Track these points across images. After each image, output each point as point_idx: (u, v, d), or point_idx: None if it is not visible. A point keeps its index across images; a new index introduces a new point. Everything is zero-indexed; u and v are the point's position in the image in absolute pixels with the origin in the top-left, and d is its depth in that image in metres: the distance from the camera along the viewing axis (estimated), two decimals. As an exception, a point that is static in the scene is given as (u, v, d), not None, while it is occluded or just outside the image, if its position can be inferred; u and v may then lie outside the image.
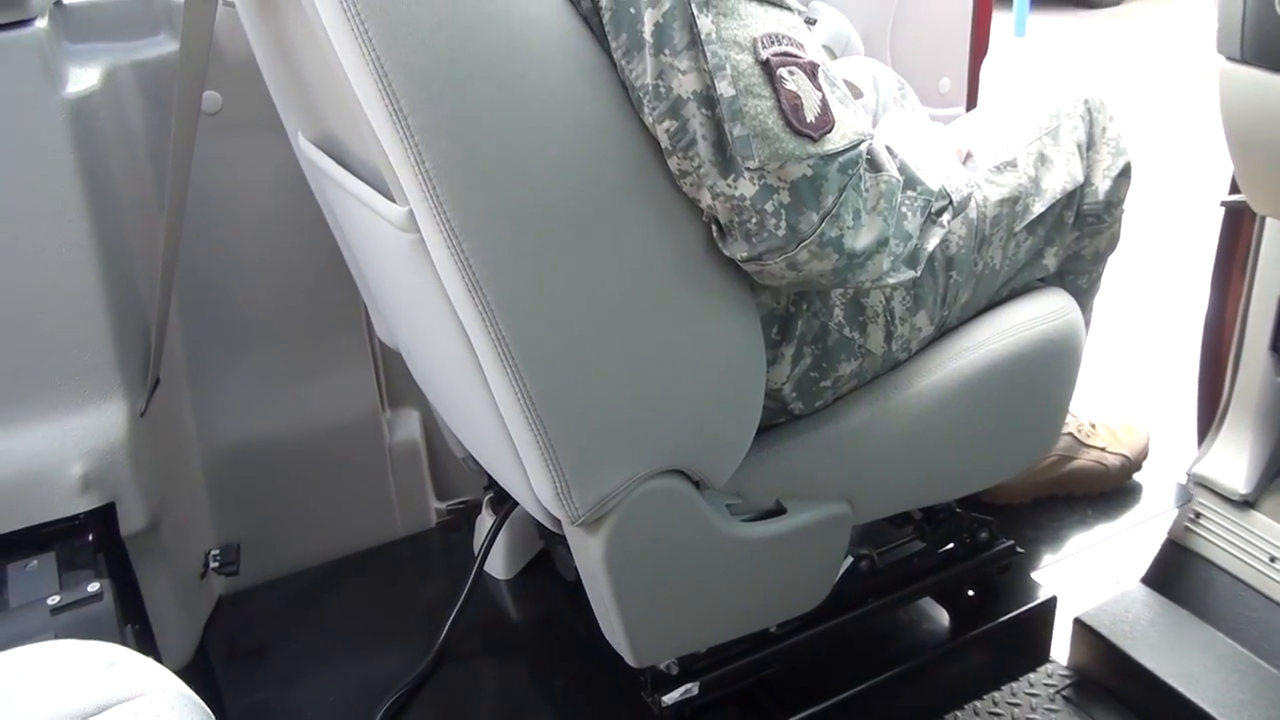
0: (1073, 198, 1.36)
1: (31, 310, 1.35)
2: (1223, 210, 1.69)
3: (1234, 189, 1.59)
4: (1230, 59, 1.34)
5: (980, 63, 2.07)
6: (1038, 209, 1.32)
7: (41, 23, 1.31)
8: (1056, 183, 1.34)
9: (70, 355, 1.38)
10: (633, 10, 0.91)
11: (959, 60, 2.04)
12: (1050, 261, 1.37)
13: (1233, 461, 1.65)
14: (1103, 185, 1.39)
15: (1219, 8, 1.33)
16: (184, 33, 1.35)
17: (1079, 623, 1.56)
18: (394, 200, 1.00)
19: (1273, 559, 1.54)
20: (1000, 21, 7.19)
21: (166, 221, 1.41)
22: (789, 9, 0.96)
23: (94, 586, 1.23)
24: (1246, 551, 1.57)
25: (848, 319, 1.18)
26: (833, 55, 1.73)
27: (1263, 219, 1.57)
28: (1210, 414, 1.74)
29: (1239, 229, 1.67)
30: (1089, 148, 1.39)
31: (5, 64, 1.28)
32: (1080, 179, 1.36)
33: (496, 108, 0.90)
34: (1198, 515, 1.64)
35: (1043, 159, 1.34)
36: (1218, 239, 1.73)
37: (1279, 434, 1.62)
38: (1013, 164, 1.32)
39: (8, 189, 1.31)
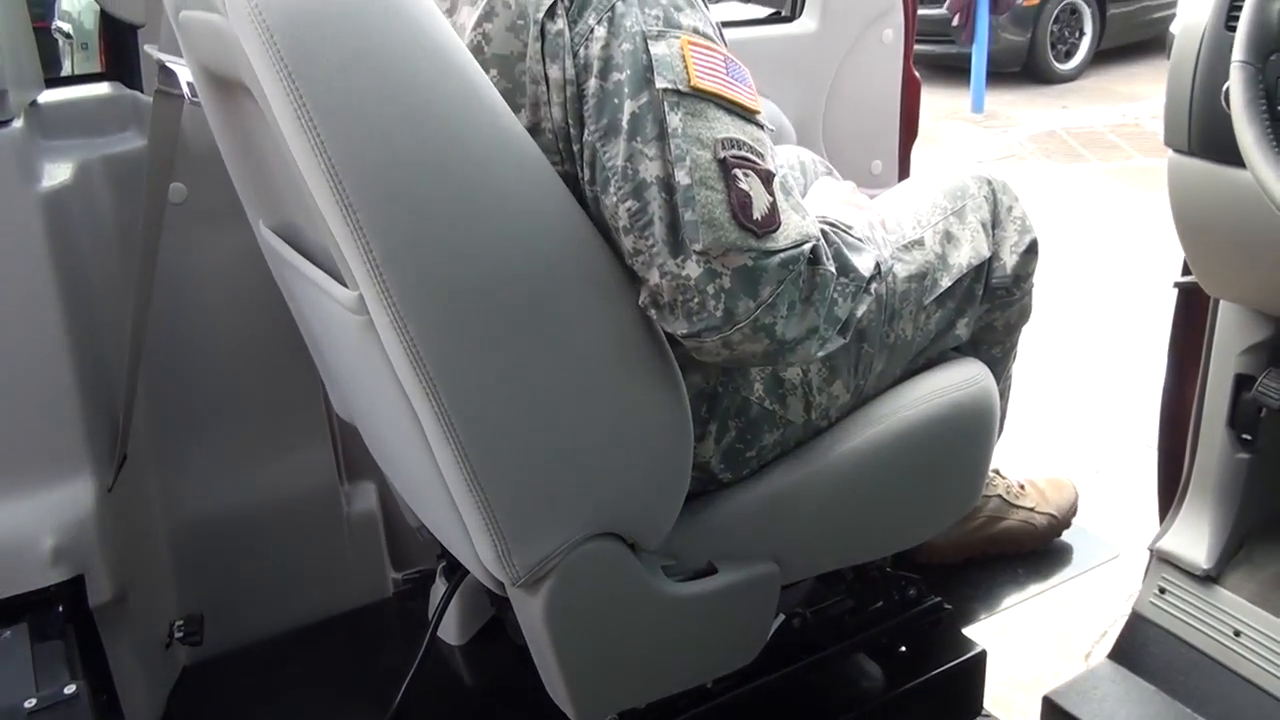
0: (980, 271, 1.45)
1: (4, 391, 1.40)
2: (1176, 290, 1.73)
3: (1186, 270, 1.63)
4: (1178, 151, 1.40)
5: (910, 145, 2.18)
6: (945, 283, 1.40)
7: (18, 122, 1.38)
8: (963, 258, 1.43)
9: (42, 433, 1.43)
10: (616, 100, 1.01)
11: (890, 143, 2.14)
12: (963, 332, 1.46)
13: (1195, 537, 1.67)
14: (1010, 260, 1.48)
15: (1166, 101, 1.40)
16: (152, 129, 1.43)
17: (1048, 701, 1.59)
18: (346, 285, 1.08)
19: (1237, 633, 1.56)
20: (960, 99, 7.39)
21: (134, 305, 1.47)
22: (759, 125, 1.06)
23: (70, 689, 1.25)
24: (1211, 626, 1.59)
25: (768, 392, 1.26)
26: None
27: (1216, 299, 1.61)
28: (1171, 489, 1.76)
29: (1193, 309, 1.72)
30: (994, 225, 1.48)
31: None
32: (986, 254, 1.45)
33: (439, 201, 0.99)
34: (1162, 590, 1.66)
35: (949, 237, 1.43)
36: (1172, 318, 1.78)
37: (1239, 509, 1.64)
38: (920, 242, 1.41)
39: None
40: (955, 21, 7.59)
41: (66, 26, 5.33)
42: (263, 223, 1.39)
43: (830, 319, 1.10)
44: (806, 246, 1.04)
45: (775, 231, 1.02)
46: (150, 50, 1.47)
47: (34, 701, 1.24)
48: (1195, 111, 1.37)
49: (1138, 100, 7.52)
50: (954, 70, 8.01)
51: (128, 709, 1.55)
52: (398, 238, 0.98)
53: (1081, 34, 8.61)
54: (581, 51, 1.03)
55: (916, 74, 2.12)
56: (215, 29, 1.05)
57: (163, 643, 1.67)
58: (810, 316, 1.06)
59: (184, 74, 1.37)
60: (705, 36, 1.04)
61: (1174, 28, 1.42)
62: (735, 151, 1.02)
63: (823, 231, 1.12)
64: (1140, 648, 1.65)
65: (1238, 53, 1.20)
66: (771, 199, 1.03)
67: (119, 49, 1.67)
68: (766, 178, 1.03)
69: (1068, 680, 1.62)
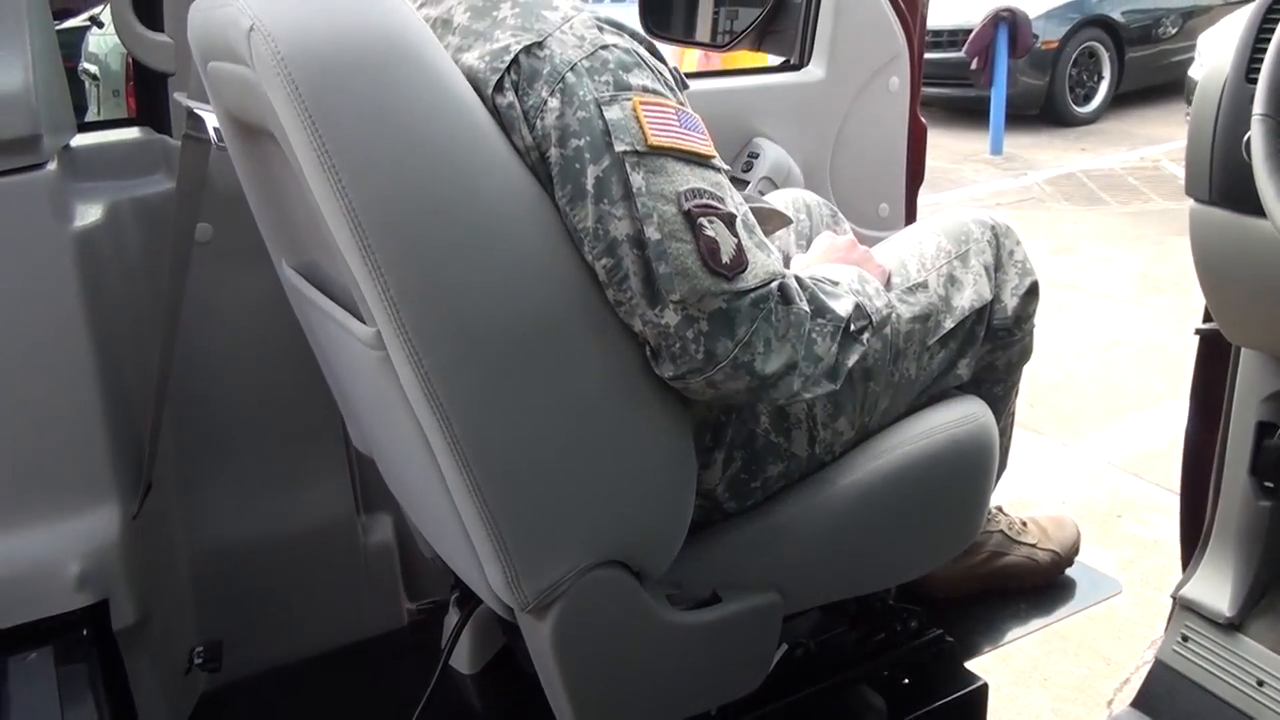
0: (982, 313, 1.49)
1: (36, 421, 1.44)
2: (1198, 337, 1.74)
3: (1207, 317, 1.65)
4: (1199, 200, 1.42)
5: (917, 188, 2.22)
6: (948, 324, 1.45)
7: (52, 165, 1.43)
8: (965, 300, 1.47)
9: (70, 463, 1.47)
10: (578, 165, 1.06)
11: (896, 186, 2.18)
12: (964, 371, 1.49)
13: (1218, 584, 1.67)
14: (1011, 302, 1.52)
15: (1188, 151, 1.43)
16: (180, 171, 1.49)
17: None
18: (364, 321, 1.13)
19: (1260, 683, 1.55)
20: (979, 141, 7.43)
21: (161, 341, 1.52)
22: (715, 169, 1.11)
23: None
24: (1234, 675, 1.59)
25: (773, 425, 1.30)
26: (774, 185, 1.89)
27: (1237, 346, 1.62)
28: (1194, 537, 1.77)
29: (1215, 355, 1.72)
30: (997, 269, 1.52)
31: (20, 202, 1.39)
32: (988, 296, 1.49)
33: (452, 244, 1.04)
34: (1185, 638, 1.66)
35: (952, 280, 1.47)
36: (1194, 365, 1.78)
37: (1262, 557, 1.64)
38: (924, 285, 1.45)
39: (18, 311, 1.41)
40: (974, 65, 7.66)
41: (93, 69, 5.43)
42: (285, 261, 1.44)
43: (810, 357, 1.15)
44: (774, 284, 1.10)
45: (744, 272, 1.08)
46: (179, 97, 1.53)
47: None
48: (1216, 161, 1.40)
49: (1156, 143, 7.54)
50: (973, 113, 8.07)
51: (148, 734, 1.58)
52: (414, 277, 1.03)
53: (1100, 77, 8.66)
54: (538, 124, 1.07)
55: (923, 120, 2.16)
56: (242, 79, 1.10)
57: (182, 668, 1.70)
58: (787, 351, 1.11)
59: (211, 120, 1.42)
60: (655, 93, 1.09)
61: (1194, 72, 1.45)
62: (698, 201, 1.07)
63: (798, 279, 1.16)
64: (1163, 696, 1.65)
65: (1258, 105, 1.22)
66: (736, 240, 1.08)
67: (150, 95, 1.72)
68: (729, 220, 1.09)
69: None
